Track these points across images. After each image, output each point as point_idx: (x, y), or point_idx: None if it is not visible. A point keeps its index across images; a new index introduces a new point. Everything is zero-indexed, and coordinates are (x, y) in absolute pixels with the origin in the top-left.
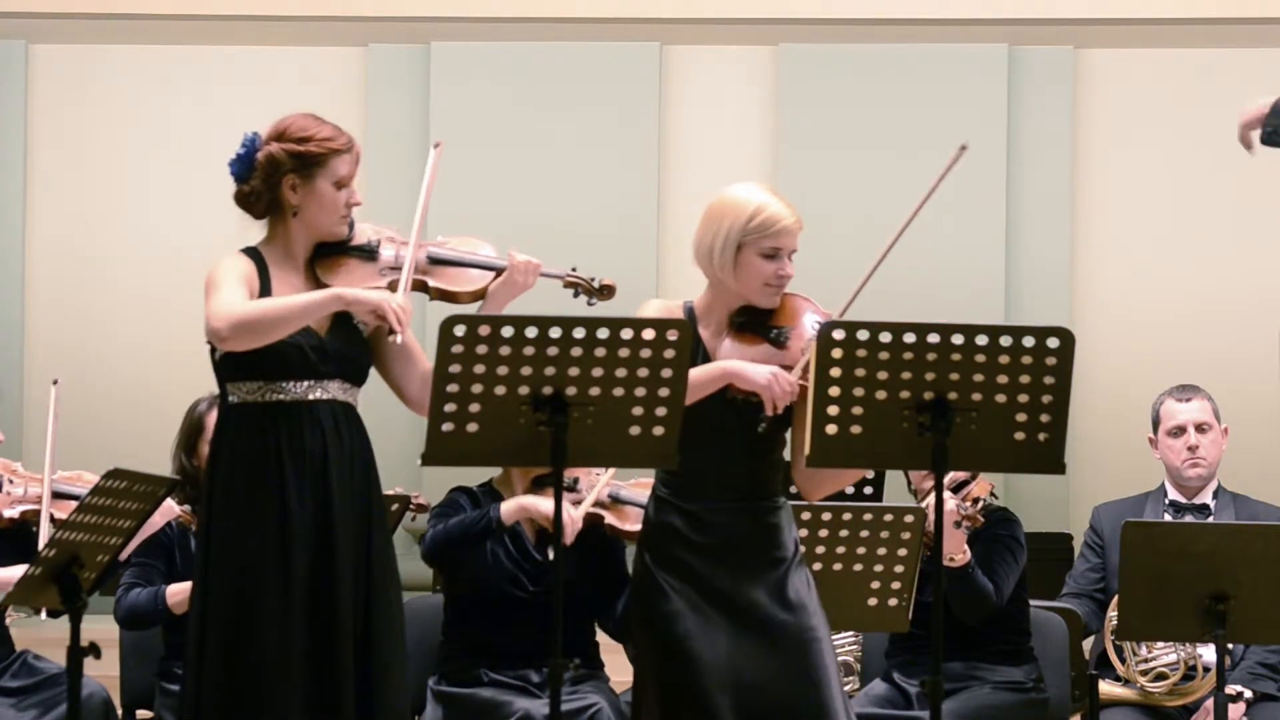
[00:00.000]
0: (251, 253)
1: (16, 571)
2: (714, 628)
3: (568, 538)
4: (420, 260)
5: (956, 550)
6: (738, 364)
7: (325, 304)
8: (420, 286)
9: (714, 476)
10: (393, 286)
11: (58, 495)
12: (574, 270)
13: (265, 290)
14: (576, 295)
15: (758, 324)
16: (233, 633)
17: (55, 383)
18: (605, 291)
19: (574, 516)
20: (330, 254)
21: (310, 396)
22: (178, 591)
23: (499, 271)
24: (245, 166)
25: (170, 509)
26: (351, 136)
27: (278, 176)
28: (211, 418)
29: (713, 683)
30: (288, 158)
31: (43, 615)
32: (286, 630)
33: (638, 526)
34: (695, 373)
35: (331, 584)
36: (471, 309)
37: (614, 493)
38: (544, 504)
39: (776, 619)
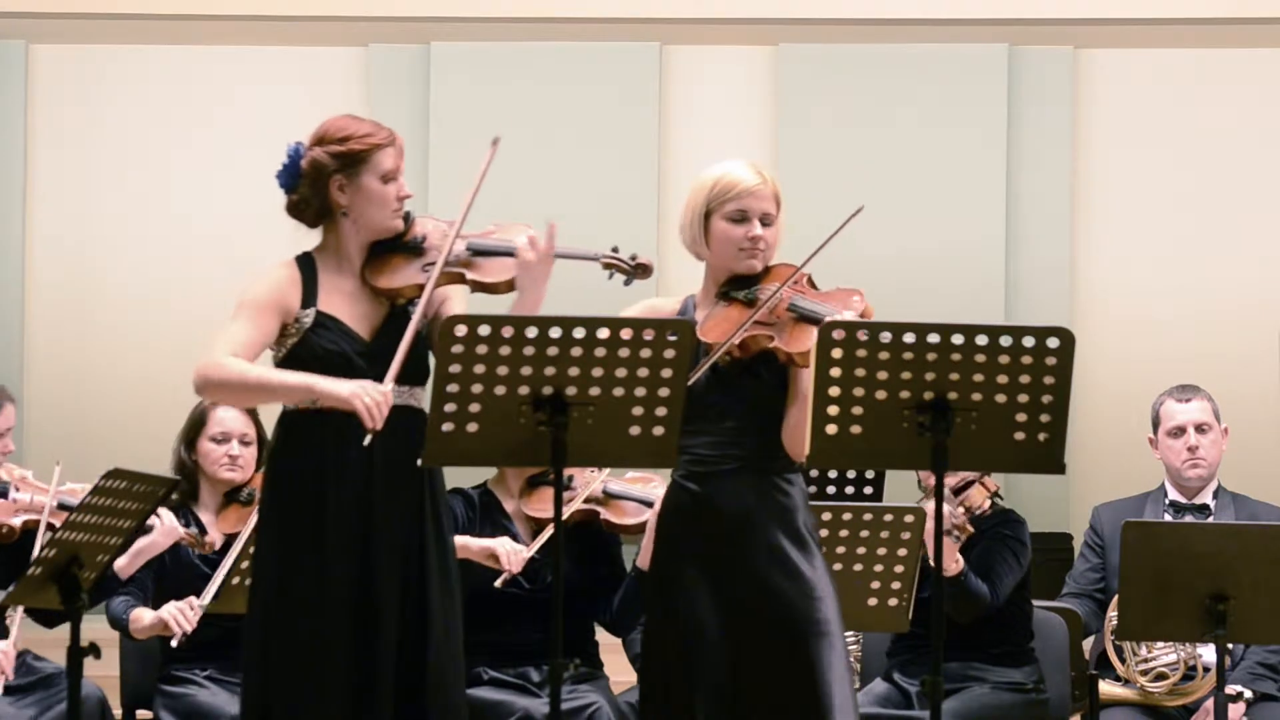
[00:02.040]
0: (303, 259)
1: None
2: (716, 617)
3: (513, 569)
4: (460, 254)
5: (949, 560)
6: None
7: (296, 390)
8: (459, 279)
9: (717, 453)
10: (438, 280)
11: (63, 508)
12: (615, 250)
13: (310, 297)
14: (612, 276)
15: (738, 289)
16: (271, 640)
17: (58, 464)
18: (642, 270)
19: (521, 557)
20: (380, 253)
21: None
22: (139, 619)
23: None
24: (292, 176)
25: (174, 531)
26: (393, 130)
27: (324, 180)
28: (215, 413)
29: (702, 679)
30: (331, 159)
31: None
32: (322, 640)
33: (633, 520)
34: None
35: (372, 594)
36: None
37: (608, 488)
38: (474, 543)
39: (783, 609)
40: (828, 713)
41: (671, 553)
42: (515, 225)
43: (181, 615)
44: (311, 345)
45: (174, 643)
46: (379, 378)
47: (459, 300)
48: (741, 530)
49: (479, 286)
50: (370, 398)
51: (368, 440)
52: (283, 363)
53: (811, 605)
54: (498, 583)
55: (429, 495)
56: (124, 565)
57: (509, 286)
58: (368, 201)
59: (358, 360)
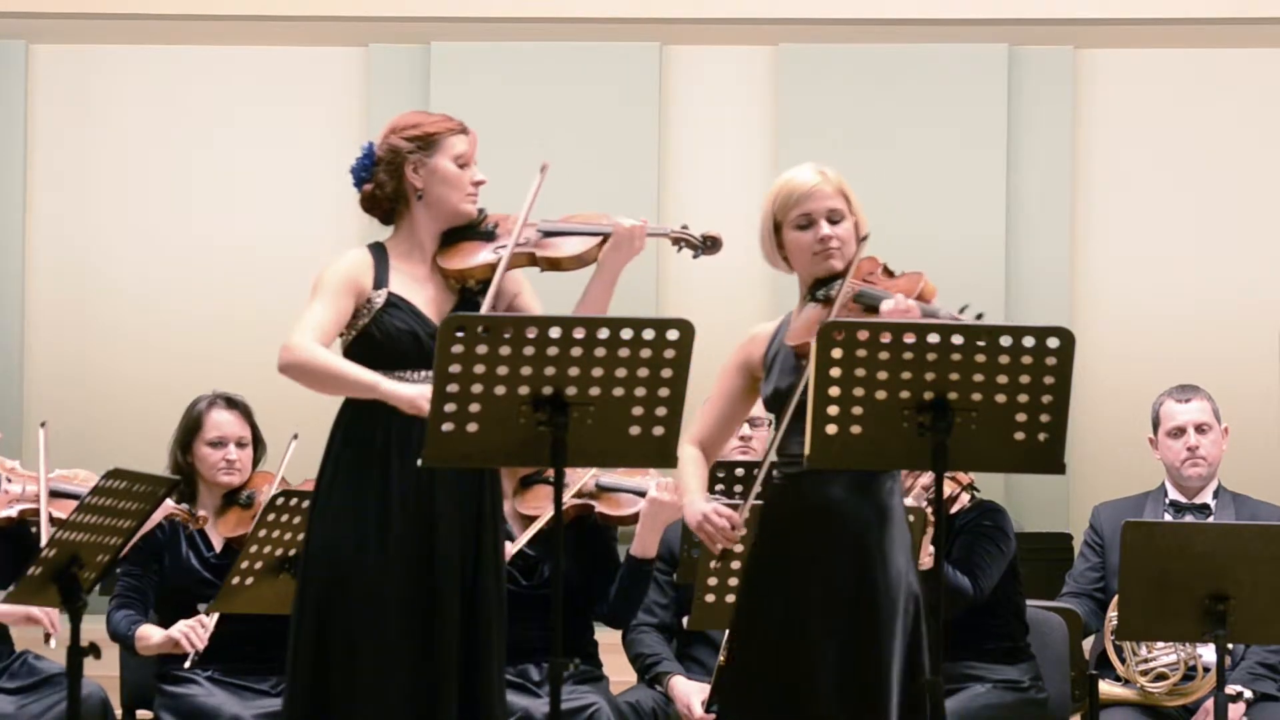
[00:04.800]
0: (375, 246)
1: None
2: (802, 613)
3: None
4: (532, 237)
5: (920, 554)
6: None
7: (363, 387)
8: (530, 261)
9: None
10: (514, 261)
11: (56, 494)
12: (685, 228)
13: (381, 280)
14: (680, 250)
15: (819, 290)
16: (324, 623)
17: (43, 425)
18: (711, 243)
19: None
20: (452, 241)
21: None
22: (146, 637)
23: (604, 238)
24: (366, 168)
25: (165, 506)
26: (464, 122)
27: (399, 163)
28: (211, 416)
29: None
30: (405, 142)
31: (51, 643)
32: (380, 623)
33: (629, 511)
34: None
35: (432, 582)
36: (575, 275)
37: (600, 481)
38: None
39: (864, 604)
40: (886, 701)
41: (765, 550)
42: (591, 213)
43: (193, 633)
44: (383, 325)
45: (187, 664)
46: None
47: (532, 293)
48: (831, 527)
49: (549, 264)
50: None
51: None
52: (353, 343)
53: (892, 601)
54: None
55: (489, 492)
56: None
57: (575, 263)
58: (442, 182)
59: (428, 341)
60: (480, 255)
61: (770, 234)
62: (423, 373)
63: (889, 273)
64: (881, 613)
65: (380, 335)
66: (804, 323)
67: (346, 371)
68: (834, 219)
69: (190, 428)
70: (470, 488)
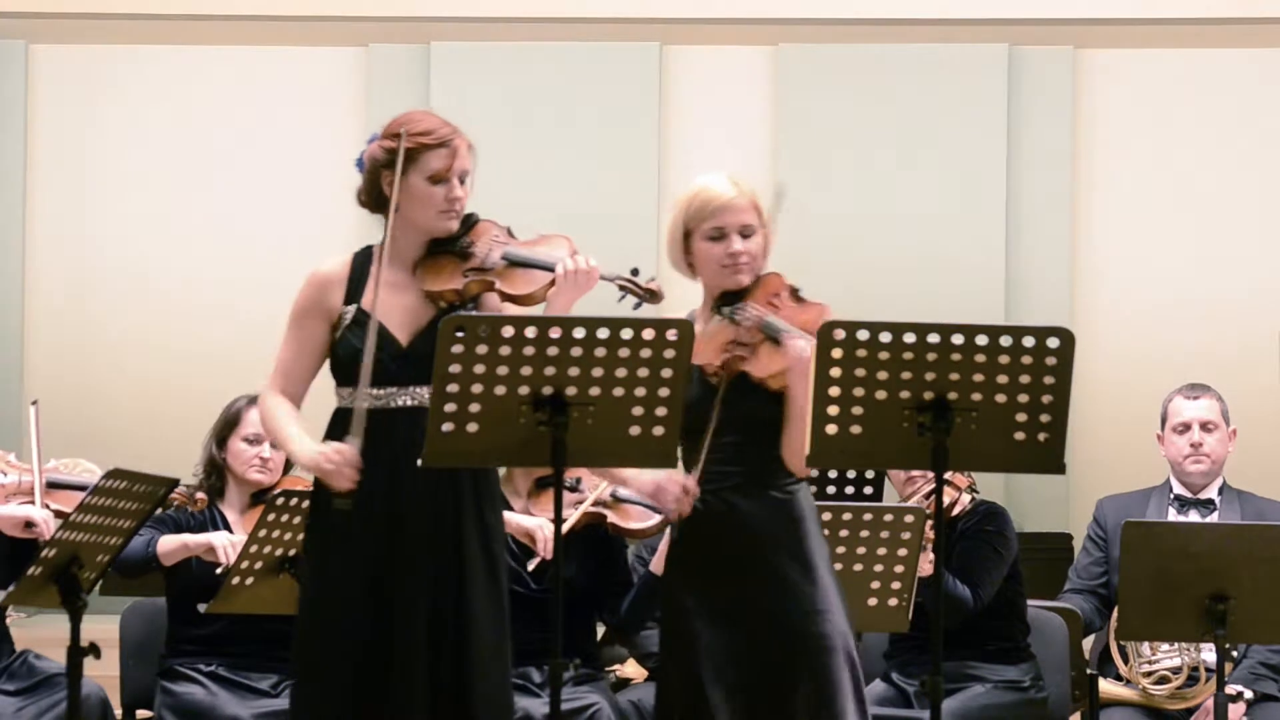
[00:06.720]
0: (361, 253)
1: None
2: (718, 632)
3: (547, 554)
4: (497, 263)
5: (920, 561)
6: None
7: (284, 446)
8: (489, 288)
9: (717, 469)
10: (470, 287)
11: (53, 485)
12: (635, 272)
13: (354, 294)
14: (623, 298)
15: (726, 305)
16: (305, 625)
17: (34, 403)
18: (651, 296)
19: (545, 536)
20: (435, 253)
21: (393, 404)
22: (171, 540)
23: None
24: (360, 164)
25: None
26: (455, 130)
27: (376, 173)
28: (250, 413)
29: (713, 689)
30: (383, 153)
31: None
32: (334, 624)
33: (640, 524)
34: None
35: (390, 583)
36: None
37: (615, 492)
38: (513, 520)
39: (782, 627)
40: None
41: (674, 567)
42: (557, 238)
43: (231, 547)
44: (343, 343)
45: (219, 570)
46: (412, 380)
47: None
48: (741, 547)
49: (506, 297)
50: (330, 463)
51: (337, 504)
52: (330, 355)
53: (811, 620)
54: (530, 565)
55: (471, 491)
56: None
57: (529, 300)
58: (411, 201)
59: (390, 364)
60: (448, 279)
61: (680, 240)
62: (389, 389)
63: (798, 298)
64: (794, 627)
65: (339, 353)
66: (709, 340)
67: (277, 429)
68: (746, 234)
69: (228, 423)
70: (442, 486)
